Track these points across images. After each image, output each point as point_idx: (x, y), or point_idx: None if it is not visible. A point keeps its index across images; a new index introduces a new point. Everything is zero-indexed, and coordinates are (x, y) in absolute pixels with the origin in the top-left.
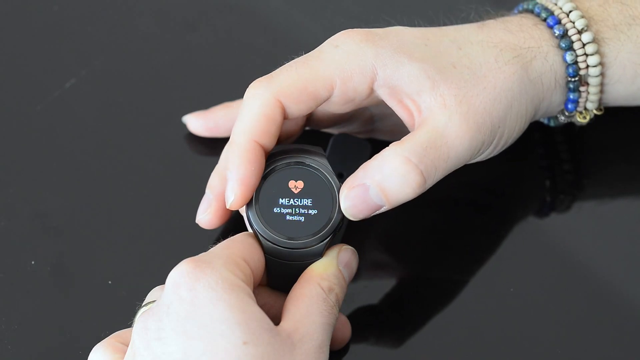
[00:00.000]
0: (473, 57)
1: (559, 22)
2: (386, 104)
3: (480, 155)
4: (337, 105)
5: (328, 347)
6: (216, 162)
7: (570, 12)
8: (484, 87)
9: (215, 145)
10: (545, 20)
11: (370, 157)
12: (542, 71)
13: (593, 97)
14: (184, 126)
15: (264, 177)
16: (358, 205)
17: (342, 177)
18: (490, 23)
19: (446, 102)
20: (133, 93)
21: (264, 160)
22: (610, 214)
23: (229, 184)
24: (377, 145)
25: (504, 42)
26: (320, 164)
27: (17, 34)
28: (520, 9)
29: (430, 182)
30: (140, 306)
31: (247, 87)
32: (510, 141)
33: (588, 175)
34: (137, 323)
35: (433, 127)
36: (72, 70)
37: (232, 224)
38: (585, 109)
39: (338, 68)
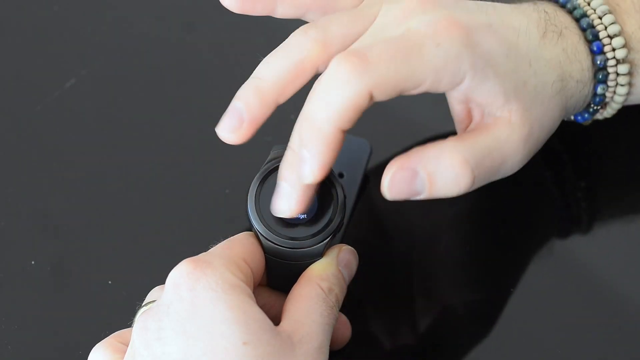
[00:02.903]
0: (539, 77)
1: (602, 50)
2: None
3: (511, 174)
4: (406, 93)
5: (328, 347)
6: (216, 162)
7: (614, 36)
8: (542, 114)
9: (215, 146)
10: (589, 42)
11: (370, 157)
12: (576, 102)
13: (606, 115)
14: (183, 126)
15: (265, 177)
16: (401, 187)
17: (342, 177)
18: (551, 36)
19: (512, 119)
20: (133, 93)
21: (342, 143)
22: (622, 221)
23: (308, 164)
24: (377, 145)
25: (562, 68)
26: None
27: (17, 34)
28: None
29: (474, 188)
30: (140, 306)
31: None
32: None
33: (599, 182)
34: (137, 323)
35: (495, 138)
36: (72, 70)
37: (232, 224)
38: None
39: (433, 72)
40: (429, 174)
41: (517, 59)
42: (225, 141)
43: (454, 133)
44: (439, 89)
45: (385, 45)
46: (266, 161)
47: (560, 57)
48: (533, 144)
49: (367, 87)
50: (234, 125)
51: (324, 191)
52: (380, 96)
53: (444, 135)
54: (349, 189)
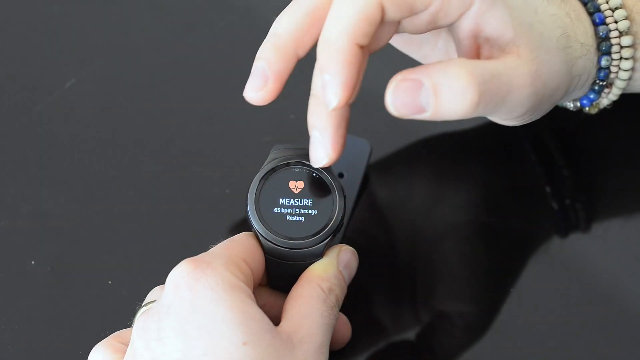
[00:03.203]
0: (544, 26)
1: (603, 21)
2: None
3: (517, 119)
4: (417, 24)
5: (328, 347)
6: (216, 162)
7: (616, 8)
8: (549, 60)
9: (215, 145)
10: (591, 14)
11: (370, 157)
12: (582, 71)
13: (612, 97)
14: (183, 126)
15: (264, 178)
16: (404, 99)
17: (342, 177)
18: None
19: (520, 53)
20: (133, 93)
21: (365, 59)
22: (621, 223)
23: (330, 86)
24: (377, 145)
25: (566, 27)
26: None
27: (17, 34)
28: None
29: (480, 111)
30: (140, 306)
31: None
32: (534, 118)
33: (598, 184)
34: (137, 323)
35: (504, 65)
36: (72, 70)
37: (233, 224)
38: (599, 104)
39: None
40: (434, 84)
41: (524, 1)
42: (253, 102)
43: (454, 133)
44: (450, 12)
45: None
46: (266, 161)
47: (564, 18)
48: (541, 85)
49: None
50: (259, 84)
51: (324, 191)
52: (391, 9)
53: (444, 134)
54: (349, 189)
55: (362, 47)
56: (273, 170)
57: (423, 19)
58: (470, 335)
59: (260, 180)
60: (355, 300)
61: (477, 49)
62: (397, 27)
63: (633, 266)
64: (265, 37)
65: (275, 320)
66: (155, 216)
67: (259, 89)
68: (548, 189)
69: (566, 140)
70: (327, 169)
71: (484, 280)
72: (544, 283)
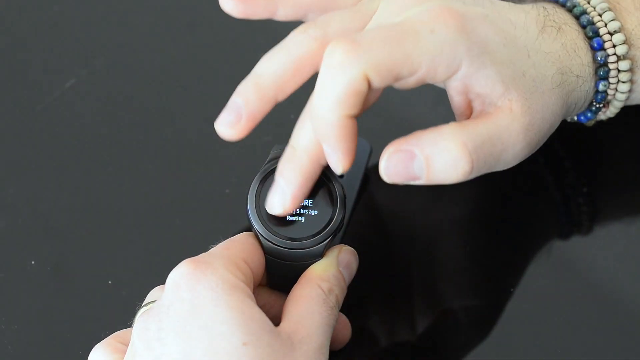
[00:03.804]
0: (538, 69)
1: (602, 46)
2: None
3: (513, 164)
4: (404, 85)
5: (328, 348)
6: (216, 162)
7: (614, 32)
8: (542, 105)
9: (215, 145)
10: (590, 38)
11: (370, 157)
12: (577, 99)
13: (609, 114)
14: (184, 126)
15: (264, 178)
16: (398, 169)
17: (342, 177)
18: (550, 31)
19: (513, 108)
20: (133, 93)
21: (356, 126)
22: (622, 223)
23: (332, 157)
24: (377, 145)
25: (561, 62)
26: None
27: (17, 34)
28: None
29: (474, 175)
30: (140, 306)
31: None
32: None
33: (599, 184)
34: (137, 323)
35: (495, 125)
36: (72, 70)
37: (233, 224)
38: (596, 119)
39: (429, 58)
40: (426, 156)
41: (514, 49)
42: (222, 137)
43: None
44: (437, 77)
45: (379, 30)
46: (266, 161)
47: (560, 52)
48: (534, 134)
49: (361, 69)
50: (232, 121)
51: (324, 192)
52: (377, 80)
53: None
54: (349, 189)
55: (354, 117)
56: (273, 170)
57: (410, 81)
58: (471, 334)
59: (260, 180)
60: (355, 301)
61: (468, 103)
62: (382, 90)
63: (635, 266)
64: (265, 36)
65: (275, 320)
66: (155, 216)
67: (232, 125)
68: (550, 188)
69: (568, 137)
70: (327, 169)
71: (485, 280)
72: (545, 282)
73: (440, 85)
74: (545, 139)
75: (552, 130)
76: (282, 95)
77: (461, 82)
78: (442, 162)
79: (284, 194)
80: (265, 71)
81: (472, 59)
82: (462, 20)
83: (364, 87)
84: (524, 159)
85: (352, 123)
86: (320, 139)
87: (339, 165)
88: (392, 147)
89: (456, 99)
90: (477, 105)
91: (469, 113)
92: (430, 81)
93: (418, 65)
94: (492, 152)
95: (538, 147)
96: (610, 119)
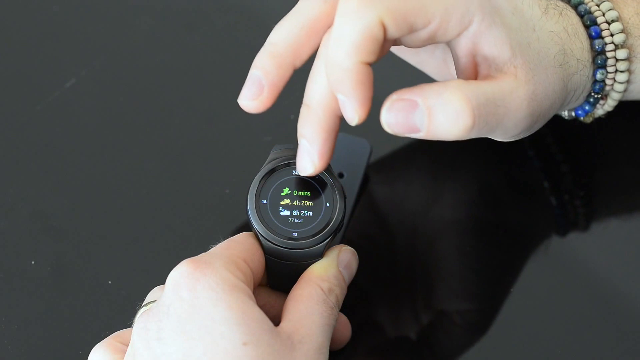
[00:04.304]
0: (542, 44)
1: (600, 35)
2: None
3: (511, 137)
4: (415, 40)
5: (328, 348)
6: (216, 162)
7: (612, 21)
8: (545, 79)
9: (215, 145)
10: (587, 27)
11: (370, 157)
12: (577, 85)
13: (607, 108)
14: (183, 126)
15: (264, 178)
16: (398, 118)
17: (342, 177)
18: (552, 13)
19: (518, 74)
20: (133, 93)
21: (372, 76)
22: (618, 218)
23: (347, 106)
24: (377, 145)
25: (563, 43)
26: None
27: (17, 34)
28: None
29: (475, 133)
30: (140, 306)
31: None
32: (528, 134)
33: (597, 184)
34: (137, 323)
35: (500, 88)
36: (72, 70)
37: (233, 224)
38: (593, 114)
39: (442, 8)
40: (428, 106)
41: (521, 19)
42: (247, 110)
43: None
44: (448, 31)
45: None
46: (266, 161)
47: (562, 33)
48: (537, 106)
49: (377, 14)
50: (255, 93)
51: (325, 192)
52: (392, 27)
53: None
54: (349, 189)
55: (369, 64)
56: (273, 170)
57: (421, 36)
58: (470, 334)
59: (260, 180)
60: (355, 300)
61: (474, 66)
62: (394, 41)
63: (633, 264)
64: (264, 36)
65: (275, 320)
66: (155, 216)
67: (254, 97)
68: (547, 187)
69: (565, 137)
70: (327, 169)
71: (484, 279)
72: (543, 281)
73: (438, 75)
74: (544, 119)
75: (552, 111)
76: (299, 61)
77: (471, 40)
78: (444, 114)
79: (311, 154)
80: (279, 39)
81: (484, 16)
82: None
83: (380, 33)
84: (523, 131)
85: (369, 71)
86: (335, 89)
87: (355, 114)
88: (395, 95)
89: (463, 60)
90: (483, 70)
91: (474, 78)
92: (442, 37)
93: (432, 15)
94: (495, 113)
95: (537, 127)
96: (607, 120)
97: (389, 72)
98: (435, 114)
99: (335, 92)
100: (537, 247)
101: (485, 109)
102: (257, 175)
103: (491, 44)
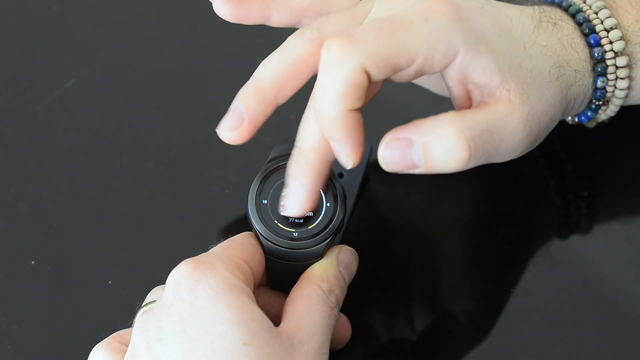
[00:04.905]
0: (535, 61)
1: (599, 43)
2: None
3: (514, 157)
4: (403, 76)
5: (328, 348)
6: (216, 162)
7: (611, 29)
8: (541, 96)
9: (215, 146)
10: (586, 35)
11: (370, 157)
12: (577, 94)
13: (609, 113)
14: (184, 126)
15: (265, 178)
16: (395, 158)
17: (342, 177)
18: (545, 26)
19: (511, 98)
20: (133, 93)
21: (361, 119)
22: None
23: (340, 152)
24: (377, 145)
25: (558, 56)
26: None
27: (17, 33)
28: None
29: (473, 164)
30: (140, 306)
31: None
32: (532, 148)
33: (599, 185)
34: (137, 323)
35: (494, 114)
36: (72, 70)
37: (233, 224)
38: (597, 119)
39: (425, 46)
40: (424, 143)
41: (510, 40)
42: (225, 141)
43: None
44: (434, 66)
45: (374, 24)
46: (267, 161)
47: (556, 46)
48: (534, 125)
49: (358, 62)
50: (234, 124)
51: (324, 191)
52: (375, 72)
53: None
54: (349, 189)
55: (357, 110)
56: (273, 170)
57: (409, 72)
58: (471, 334)
59: (260, 180)
60: (355, 301)
61: (467, 94)
62: (383, 82)
63: (636, 264)
64: (264, 37)
65: (275, 320)
66: (155, 216)
67: (233, 129)
68: (551, 186)
69: (570, 136)
70: None
71: (485, 280)
72: (546, 281)
73: (439, 91)
74: (545, 133)
75: (552, 124)
76: (282, 98)
77: (459, 71)
78: (439, 149)
79: (298, 196)
80: (265, 74)
81: (469, 47)
82: (457, 9)
83: (363, 80)
84: (524, 151)
85: (356, 116)
86: (327, 136)
87: (348, 160)
88: (390, 135)
89: (455, 89)
90: (476, 96)
91: (468, 105)
92: (429, 71)
93: (415, 55)
94: (491, 141)
95: (539, 141)
96: (610, 122)
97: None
98: (431, 150)
99: (328, 139)
100: (540, 246)
101: (480, 139)
102: (258, 175)
103: (479, 73)
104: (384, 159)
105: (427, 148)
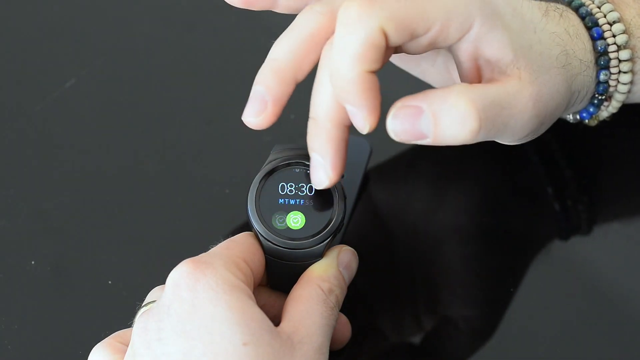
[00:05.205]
0: (544, 46)
1: (602, 36)
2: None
3: (519, 140)
4: (416, 46)
5: (328, 348)
6: (216, 162)
7: (614, 22)
8: (549, 80)
9: (215, 146)
10: (589, 28)
11: (370, 157)
12: (581, 86)
13: (611, 109)
14: (183, 126)
15: (265, 178)
16: (405, 126)
17: (342, 177)
18: (553, 15)
19: (522, 76)
20: (133, 93)
21: (378, 83)
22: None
23: (357, 116)
24: (377, 145)
25: (565, 44)
26: None
27: (17, 34)
28: None
29: (482, 136)
30: (140, 306)
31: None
32: (535, 136)
33: (596, 186)
34: (137, 323)
35: (505, 90)
36: (72, 70)
37: (233, 224)
38: (598, 117)
39: (443, 13)
40: (433, 112)
41: (522, 21)
42: (252, 127)
43: None
44: (449, 36)
45: None
46: (267, 161)
47: (563, 35)
48: (542, 107)
49: (378, 22)
50: (259, 109)
51: (324, 192)
52: (393, 34)
53: None
54: (349, 189)
55: (373, 72)
56: (273, 170)
57: (423, 41)
58: (471, 336)
59: (260, 180)
60: (355, 301)
61: (477, 70)
62: (396, 48)
63: (636, 269)
64: (264, 37)
65: (275, 320)
66: (155, 216)
67: (258, 114)
68: (550, 191)
69: (569, 142)
70: None
71: (485, 281)
72: (545, 285)
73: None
74: (551, 120)
75: (557, 112)
76: (301, 75)
77: (472, 44)
78: (449, 118)
79: (325, 168)
80: (280, 54)
81: (485, 19)
82: None
83: (382, 41)
84: (530, 133)
85: (374, 78)
86: (343, 100)
87: (366, 123)
88: (400, 103)
89: (465, 65)
90: (486, 73)
91: (477, 82)
92: (443, 43)
93: (433, 21)
94: (501, 115)
95: (545, 127)
96: (610, 123)
97: (392, 82)
98: (441, 118)
99: (343, 102)
100: (541, 252)
101: (491, 112)
102: (257, 175)
103: (493, 47)
104: (392, 128)
105: (437, 116)
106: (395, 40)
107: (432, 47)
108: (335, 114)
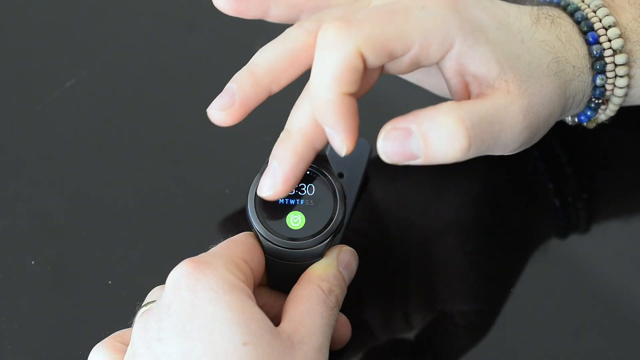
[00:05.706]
0: (533, 55)
1: (597, 40)
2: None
3: (514, 151)
4: (400, 66)
5: (328, 348)
6: (216, 162)
7: (609, 27)
8: (540, 89)
9: (215, 146)
10: (584, 33)
11: (370, 157)
12: (576, 92)
13: (609, 112)
14: (183, 126)
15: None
16: (395, 148)
17: (342, 177)
18: (544, 22)
19: (510, 89)
20: (133, 93)
21: (356, 106)
22: (620, 219)
23: (334, 138)
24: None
25: (556, 52)
26: (320, 164)
27: (17, 33)
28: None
29: (473, 153)
30: (140, 306)
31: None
32: (531, 144)
33: (598, 186)
34: (137, 323)
35: (493, 104)
36: (72, 70)
37: (233, 224)
38: (596, 119)
39: (421, 33)
40: (423, 132)
41: (508, 33)
42: (214, 121)
43: None
44: (430, 55)
45: (371, 10)
46: (267, 161)
47: (555, 42)
48: (533, 118)
49: (354, 45)
50: (225, 104)
51: (325, 192)
52: (371, 56)
53: None
54: (349, 189)
55: (352, 95)
56: None
57: (405, 62)
58: (471, 334)
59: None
60: (355, 301)
61: (465, 86)
62: (381, 70)
63: (634, 266)
64: (264, 37)
65: (275, 320)
66: (155, 216)
67: (223, 108)
68: (551, 188)
69: (570, 139)
70: (327, 169)
71: (485, 280)
72: (545, 283)
73: (438, 91)
74: (545, 129)
75: (552, 120)
76: (276, 86)
77: (456, 61)
78: (439, 138)
79: (276, 176)
80: (261, 61)
81: (466, 36)
82: (454, 0)
83: (359, 64)
84: (524, 144)
85: (352, 101)
86: (322, 121)
87: (343, 146)
88: (389, 125)
89: (452, 82)
90: (474, 88)
91: (467, 97)
92: (425, 62)
93: (411, 41)
94: (491, 131)
95: (538, 136)
96: (609, 124)
97: (391, 83)
98: (431, 138)
99: (322, 124)
100: (540, 248)
101: (480, 128)
102: (257, 175)
103: (477, 63)
104: (383, 150)
105: (427, 137)
106: (373, 61)
107: (415, 66)
108: (307, 132)
